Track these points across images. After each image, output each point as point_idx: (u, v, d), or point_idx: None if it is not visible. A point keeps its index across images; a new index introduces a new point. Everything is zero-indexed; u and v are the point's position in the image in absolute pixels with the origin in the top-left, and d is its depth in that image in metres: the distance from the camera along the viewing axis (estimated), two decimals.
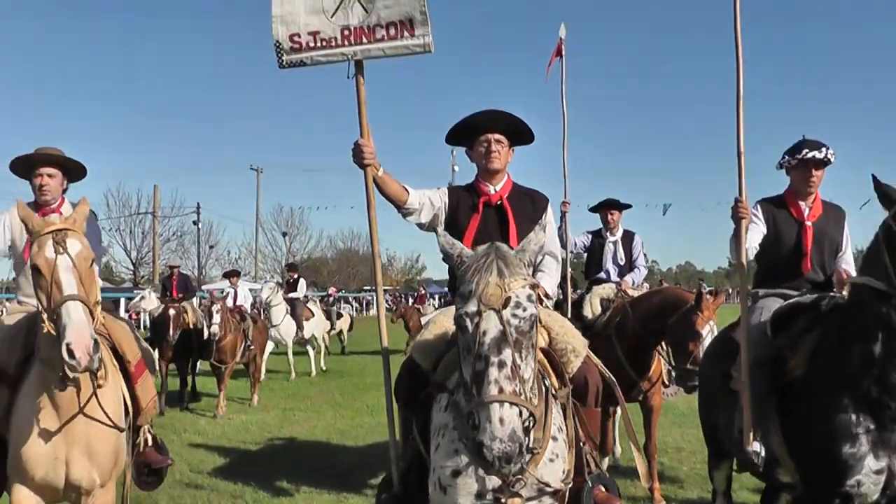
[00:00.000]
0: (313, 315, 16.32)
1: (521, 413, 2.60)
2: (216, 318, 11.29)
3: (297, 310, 15.45)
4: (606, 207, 7.70)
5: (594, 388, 3.78)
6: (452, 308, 3.73)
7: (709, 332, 5.91)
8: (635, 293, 7.29)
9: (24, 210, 3.63)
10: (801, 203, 4.54)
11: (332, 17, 3.61)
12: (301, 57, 3.68)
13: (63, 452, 3.72)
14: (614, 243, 7.75)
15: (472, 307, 2.71)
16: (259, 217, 45.43)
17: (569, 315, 7.04)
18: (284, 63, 3.72)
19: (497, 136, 3.94)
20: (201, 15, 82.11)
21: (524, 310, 2.72)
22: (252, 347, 12.19)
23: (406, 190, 3.93)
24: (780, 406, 3.99)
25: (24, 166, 4.44)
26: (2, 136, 54.80)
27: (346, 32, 3.61)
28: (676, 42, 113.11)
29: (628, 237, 7.75)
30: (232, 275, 15.24)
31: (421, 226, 4.04)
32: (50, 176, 4.40)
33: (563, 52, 8.02)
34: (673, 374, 6.52)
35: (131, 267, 39.79)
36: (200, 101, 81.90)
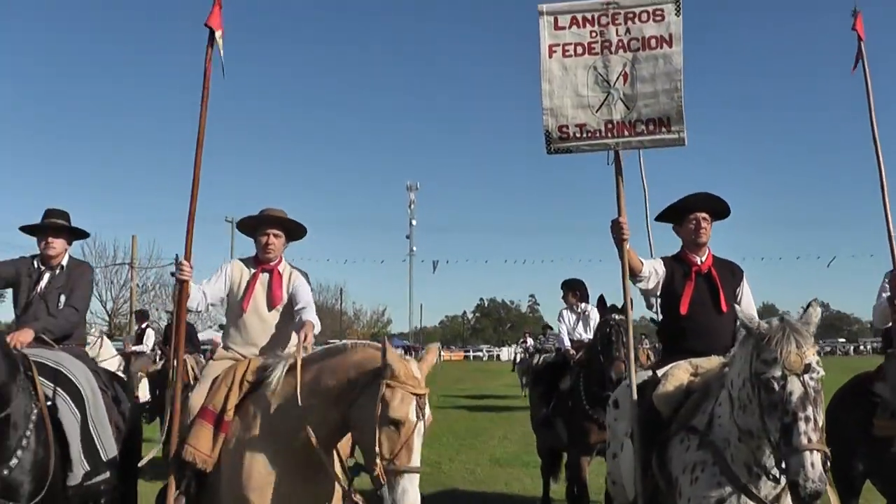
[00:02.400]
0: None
1: (824, 459, 3.30)
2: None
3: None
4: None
5: None
6: (684, 362, 4.40)
7: None
8: None
9: (391, 355, 3.65)
10: None
11: (596, 112, 4.27)
12: (568, 145, 4.32)
13: None
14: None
15: (777, 372, 3.41)
16: None
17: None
18: (552, 150, 4.35)
19: (704, 214, 4.65)
20: (179, 72, 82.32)
21: (818, 373, 3.43)
22: None
23: (641, 261, 4.58)
24: None
25: (251, 225, 4.89)
26: None
27: (610, 126, 4.27)
28: None
29: None
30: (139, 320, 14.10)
31: (647, 291, 4.70)
32: (276, 236, 4.78)
33: None
34: None
35: (106, 318, 39.21)
36: (177, 156, 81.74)
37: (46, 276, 5.14)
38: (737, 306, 4.03)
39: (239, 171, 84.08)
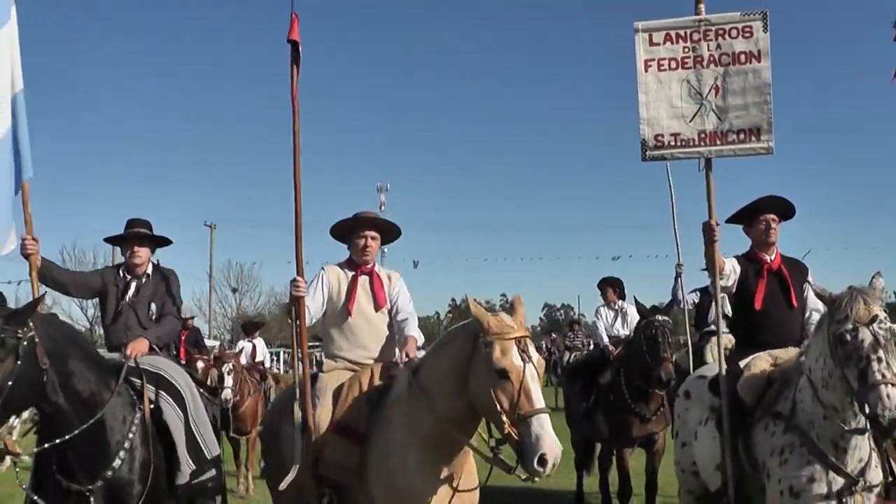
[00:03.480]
0: None
1: None
2: (229, 381, 9.30)
3: None
4: None
5: None
6: (764, 353, 4.74)
7: None
8: None
9: (478, 309, 3.74)
10: None
11: (690, 122, 4.59)
12: (662, 153, 4.64)
13: None
14: (721, 298, 8.88)
15: (849, 325, 3.91)
16: (212, 273, 44.81)
17: (691, 362, 8.09)
18: (647, 157, 4.68)
19: (773, 215, 5.01)
20: (159, 76, 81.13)
21: (885, 324, 3.91)
22: None
23: (724, 261, 4.91)
24: None
25: (347, 228, 4.90)
26: None
27: (703, 135, 4.60)
28: None
29: None
30: (250, 327, 12.96)
31: (725, 288, 5.02)
32: (373, 238, 4.84)
33: None
34: None
35: (87, 325, 38.71)
36: (156, 161, 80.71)
37: (133, 285, 5.25)
38: (810, 283, 4.48)
39: (216, 175, 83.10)
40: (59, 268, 5.23)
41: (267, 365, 11.96)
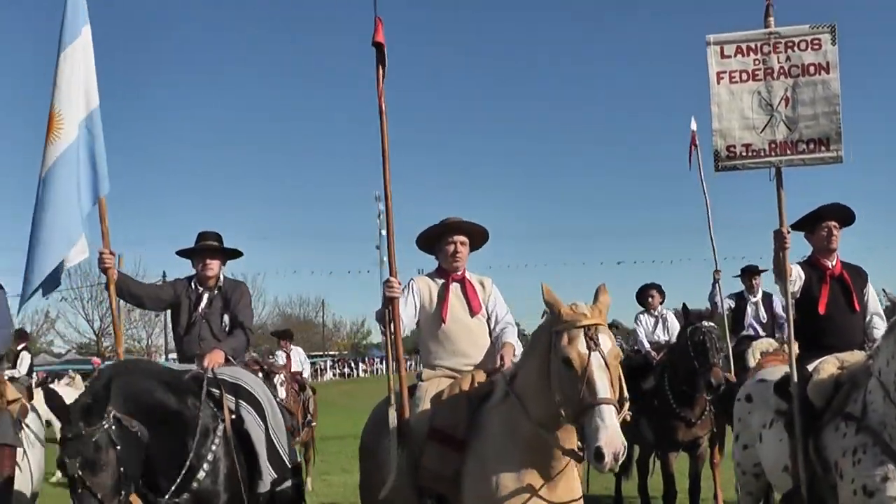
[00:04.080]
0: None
1: None
2: (282, 393, 8.89)
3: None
4: (749, 273, 9.03)
5: None
6: (831, 357, 4.86)
7: None
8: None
9: (551, 295, 3.70)
10: None
11: (761, 132, 4.72)
12: (734, 163, 4.76)
13: None
14: (755, 304, 9.06)
15: None
16: None
17: (732, 366, 8.22)
18: (720, 167, 4.81)
19: (835, 223, 5.15)
20: (165, 91, 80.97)
21: None
22: (314, 424, 10.54)
23: (791, 267, 5.02)
24: None
25: (436, 235, 4.81)
26: None
27: (773, 145, 4.72)
28: None
29: (767, 298, 9.06)
30: (284, 336, 12.50)
31: (792, 294, 5.13)
32: (462, 244, 4.73)
33: (698, 143, 9.28)
34: None
35: (94, 338, 38.77)
36: (162, 173, 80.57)
37: (205, 297, 5.33)
38: (886, 292, 4.59)
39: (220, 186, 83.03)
40: (135, 281, 5.33)
41: (305, 375, 11.77)
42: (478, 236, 4.87)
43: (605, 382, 3.41)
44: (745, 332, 8.97)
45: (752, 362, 8.47)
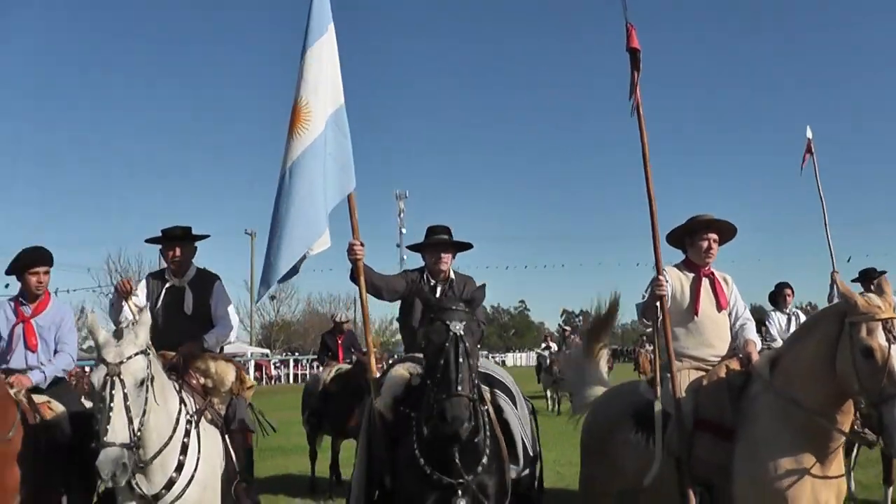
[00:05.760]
0: None
1: None
2: None
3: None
4: (867, 278, 8.20)
5: None
6: None
7: None
8: None
9: (845, 287, 3.97)
10: None
11: None
12: None
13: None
14: None
15: None
16: (253, 281, 45.81)
17: None
18: None
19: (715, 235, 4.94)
20: (200, 84, 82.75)
21: None
22: None
23: None
24: None
25: (689, 231, 4.93)
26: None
27: None
28: None
29: None
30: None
31: None
32: (714, 241, 4.89)
33: (814, 151, 9.05)
34: None
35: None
36: (201, 169, 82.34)
37: (439, 290, 5.28)
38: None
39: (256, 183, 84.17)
40: (375, 273, 5.19)
41: None
42: (727, 232, 5.00)
43: None
44: None
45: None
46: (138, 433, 3.86)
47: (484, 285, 4.55)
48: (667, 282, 4.69)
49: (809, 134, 9.27)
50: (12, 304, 5.23)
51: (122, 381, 3.81)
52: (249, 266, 49.41)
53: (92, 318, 4.17)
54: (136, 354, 3.94)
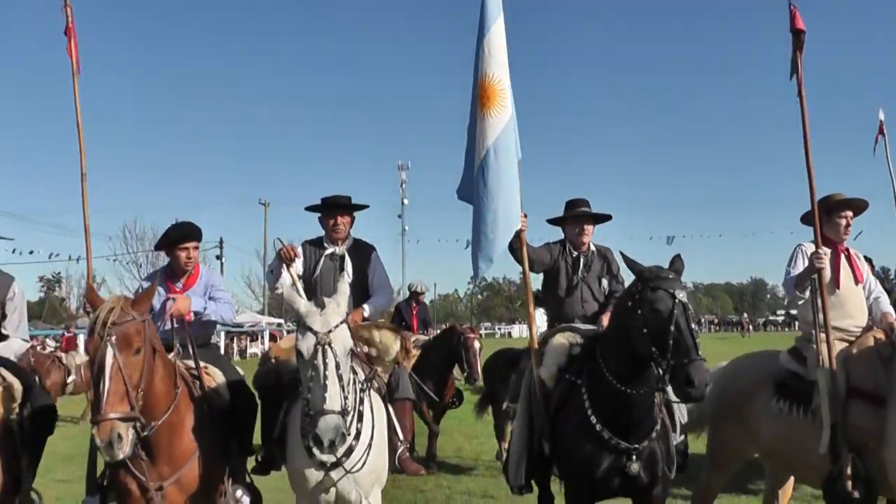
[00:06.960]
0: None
1: None
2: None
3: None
4: None
5: None
6: None
7: None
8: None
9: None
10: None
11: None
12: None
13: None
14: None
15: None
16: (266, 250, 46.01)
17: None
18: None
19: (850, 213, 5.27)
20: (219, 60, 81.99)
21: None
22: None
23: None
24: None
25: (824, 209, 5.09)
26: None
27: None
28: None
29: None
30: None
31: None
32: (850, 218, 5.20)
33: (885, 133, 9.36)
34: None
35: None
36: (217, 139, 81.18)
37: (582, 261, 5.53)
38: None
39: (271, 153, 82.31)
40: (530, 245, 5.36)
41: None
42: (857, 209, 5.27)
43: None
44: None
45: None
46: (346, 401, 3.85)
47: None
48: (825, 254, 4.84)
49: (882, 116, 9.11)
50: (163, 278, 5.12)
51: (332, 349, 3.82)
52: (262, 235, 49.77)
53: (289, 290, 4.44)
54: (342, 323, 3.96)
